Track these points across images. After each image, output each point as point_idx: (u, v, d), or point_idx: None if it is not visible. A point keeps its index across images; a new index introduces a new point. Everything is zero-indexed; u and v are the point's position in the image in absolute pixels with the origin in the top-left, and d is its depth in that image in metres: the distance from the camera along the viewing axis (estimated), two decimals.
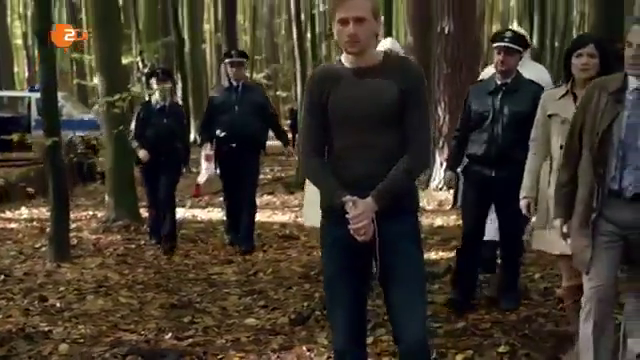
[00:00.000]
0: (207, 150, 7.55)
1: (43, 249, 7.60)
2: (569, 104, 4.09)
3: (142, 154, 7.47)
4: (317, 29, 21.94)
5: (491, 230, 5.51)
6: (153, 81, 7.74)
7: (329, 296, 3.28)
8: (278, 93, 36.06)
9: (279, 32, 38.81)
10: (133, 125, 7.66)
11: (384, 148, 3.03)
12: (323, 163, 3.15)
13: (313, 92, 3.14)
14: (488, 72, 5.82)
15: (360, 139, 3.03)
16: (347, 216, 2.97)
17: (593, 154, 3.39)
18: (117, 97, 7.75)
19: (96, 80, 12.78)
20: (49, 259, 7.08)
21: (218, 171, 7.64)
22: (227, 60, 7.67)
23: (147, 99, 8.11)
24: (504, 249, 5.36)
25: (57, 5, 28.60)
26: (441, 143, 9.80)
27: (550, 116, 4.26)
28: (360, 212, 2.95)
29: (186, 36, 21.84)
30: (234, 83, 7.49)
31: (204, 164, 7.75)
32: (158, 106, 7.62)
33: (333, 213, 3.09)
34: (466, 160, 5.27)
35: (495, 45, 5.05)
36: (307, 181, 5.77)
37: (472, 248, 5.28)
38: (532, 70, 5.60)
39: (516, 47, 5.01)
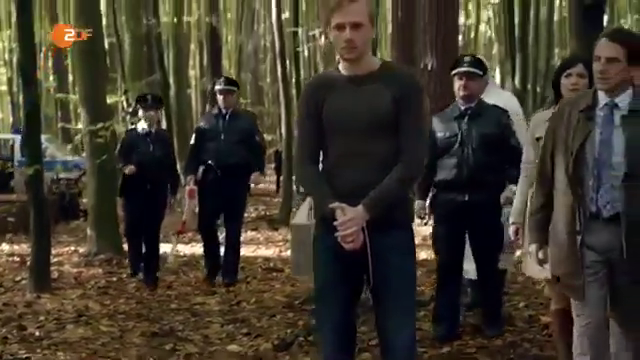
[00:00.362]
0: (191, 185, 7.28)
1: (23, 282, 7.49)
2: None
3: (129, 169, 7.13)
4: (302, 74, 22.08)
5: (470, 270, 5.36)
6: (140, 107, 7.41)
7: (319, 308, 3.24)
8: (264, 136, 36.11)
9: (264, 77, 39.18)
10: (117, 151, 7.48)
11: (379, 156, 3.01)
12: (317, 171, 3.14)
13: (309, 100, 3.14)
14: None
15: (355, 147, 3.02)
16: (335, 223, 2.94)
17: (569, 175, 3.31)
18: (100, 126, 7.62)
19: (80, 125, 12.81)
20: (29, 290, 6.97)
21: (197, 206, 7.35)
22: (216, 88, 7.50)
23: (133, 126, 7.86)
24: (482, 278, 5.20)
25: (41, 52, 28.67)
26: None
27: (538, 139, 4.10)
28: (348, 219, 2.92)
29: (171, 80, 21.92)
30: (223, 111, 7.31)
31: (187, 200, 7.48)
32: (144, 132, 7.32)
33: (325, 222, 3.06)
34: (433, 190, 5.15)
35: (455, 71, 5.02)
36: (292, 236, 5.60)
37: (452, 281, 5.12)
38: (499, 97, 5.55)
39: (477, 71, 5.01)
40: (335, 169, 3.06)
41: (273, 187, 22.17)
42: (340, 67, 3.13)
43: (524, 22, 24.12)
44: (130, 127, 7.93)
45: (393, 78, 3.05)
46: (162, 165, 7.30)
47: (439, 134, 5.04)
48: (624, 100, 3.27)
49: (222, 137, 7.16)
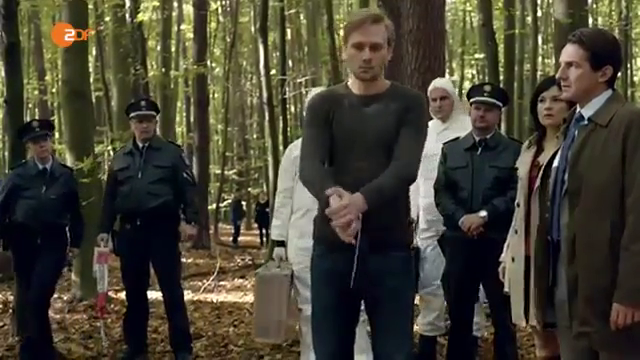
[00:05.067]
0: (102, 247, 5.69)
1: (5, 327, 7.33)
2: (527, 158, 3.71)
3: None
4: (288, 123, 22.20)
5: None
6: (27, 139, 5.77)
7: (315, 334, 3.16)
8: (249, 189, 36.18)
9: (251, 132, 39.36)
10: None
11: (380, 170, 2.92)
12: (322, 167, 3.00)
13: (318, 108, 3.09)
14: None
15: (357, 164, 2.98)
16: (327, 211, 2.74)
17: (539, 197, 3.08)
18: (86, 161, 6.95)
19: None
20: (12, 333, 6.80)
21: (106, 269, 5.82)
22: (134, 113, 5.61)
23: (23, 160, 6.25)
24: (497, 330, 4.68)
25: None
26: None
27: (514, 169, 3.92)
28: (346, 204, 2.71)
29: (158, 128, 21.93)
30: (139, 144, 5.64)
31: (96, 266, 5.81)
32: (35, 170, 5.76)
33: (322, 244, 3.04)
34: (437, 233, 4.94)
35: (473, 100, 4.60)
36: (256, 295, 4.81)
37: (464, 332, 4.70)
38: (462, 123, 5.04)
39: (498, 103, 4.59)
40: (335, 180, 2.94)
41: (258, 239, 22.05)
42: (350, 84, 3.12)
43: (508, 79, 24.43)
44: (20, 162, 6.21)
45: (399, 96, 3.06)
46: (57, 210, 5.72)
47: (449, 164, 4.67)
48: (589, 110, 2.88)
49: (139, 176, 5.53)
